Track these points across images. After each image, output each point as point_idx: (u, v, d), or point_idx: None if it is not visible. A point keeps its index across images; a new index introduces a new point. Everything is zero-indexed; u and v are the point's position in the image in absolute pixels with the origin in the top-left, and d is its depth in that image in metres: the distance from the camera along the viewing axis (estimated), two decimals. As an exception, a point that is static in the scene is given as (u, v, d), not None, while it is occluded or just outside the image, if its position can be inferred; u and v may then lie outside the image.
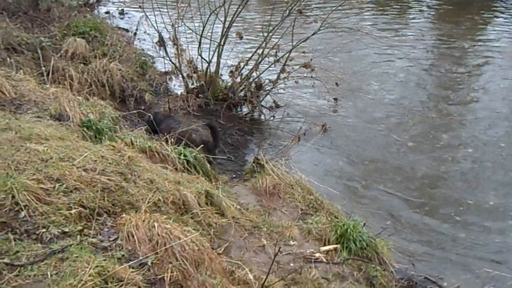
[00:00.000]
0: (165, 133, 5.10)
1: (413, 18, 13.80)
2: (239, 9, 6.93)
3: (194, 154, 4.50)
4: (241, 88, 7.21)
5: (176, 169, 4.20)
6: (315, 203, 4.72)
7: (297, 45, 7.08)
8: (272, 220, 4.19)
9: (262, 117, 7.45)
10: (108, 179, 3.09)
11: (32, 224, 2.56)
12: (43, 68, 6.12)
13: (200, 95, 7.03)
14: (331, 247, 4.02)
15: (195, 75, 7.26)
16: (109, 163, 3.36)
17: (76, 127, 4.14)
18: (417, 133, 7.27)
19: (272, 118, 7.33)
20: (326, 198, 4.96)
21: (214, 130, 5.87)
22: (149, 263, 2.54)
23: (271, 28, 7.04)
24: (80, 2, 9.55)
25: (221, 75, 7.45)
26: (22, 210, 2.60)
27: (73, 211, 2.71)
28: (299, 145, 6.23)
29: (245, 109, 7.53)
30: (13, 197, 2.63)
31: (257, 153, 5.50)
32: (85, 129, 4.13)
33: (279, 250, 3.11)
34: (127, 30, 10.96)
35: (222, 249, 3.42)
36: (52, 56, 6.32)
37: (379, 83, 9.10)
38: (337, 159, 6.52)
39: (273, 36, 7.21)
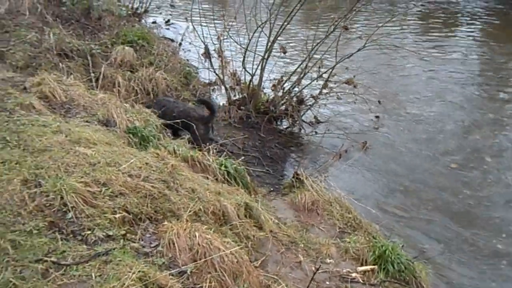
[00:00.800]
0: (167, 115, 5.38)
1: (458, 36, 13.46)
2: (284, 24, 6.96)
3: (235, 165, 4.52)
4: (282, 102, 7.21)
5: (216, 179, 4.23)
6: (354, 222, 4.64)
7: (341, 61, 7.04)
8: (309, 237, 4.14)
9: (302, 131, 7.41)
10: (152, 186, 3.15)
11: (78, 226, 2.64)
12: (92, 74, 6.33)
13: (241, 107, 7.09)
14: (368, 267, 3.94)
15: (238, 87, 7.33)
16: (153, 170, 3.43)
17: (122, 133, 4.25)
18: (459, 154, 7.05)
19: (312, 133, 7.27)
20: (364, 217, 4.87)
21: (209, 104, 5.94)
22: (188, 271, 2.57)
23: (315, 43, 7.03)
24: (129, 12, 9.84)
25: (263, 88, 7.48)
26: (70, 211, 2.68)
27: (117, 215, 2.77)
28: (339, 161, 6.16)
29: (285, 123, 7.50)
30: (62, 198, 2.72)
31: (296, 168, 5.47)
32: (130, 135, 4.23)
33: (318, 268, 3.07)
34: (172, 40, 11.19)
35: (259, 262, 3.41)
36: (101, 63, 6.54)
37: (422, 102, 8.89)
38: (377, 178, 6.41)
39: (317, 51, 7.20)
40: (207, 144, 5.29)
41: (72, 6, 8.15)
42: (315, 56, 7.23)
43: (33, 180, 2.86)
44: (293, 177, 5.18)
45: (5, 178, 2.83)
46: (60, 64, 6.06)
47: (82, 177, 2.96)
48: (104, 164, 3.18)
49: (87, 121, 4.27)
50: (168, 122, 5.34)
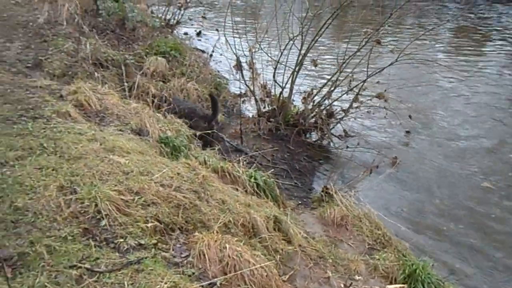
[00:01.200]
0: (181, 112, 5.77)
1: (492, 52, 13.17)
2: (316, 38, 6.97)
3: (264, 178, 4.51)
4: (312, 114, 7.19)
5: (246, 191, 4.23)
6: (383, 239, 4.56)
7: (372, 75, 6.99)
8: (338, 252, 4.09)
9: (331, 145, 7.36)
10: (183, 196, 3.18)
11: (111, 233, 2.68)
12: (126, 84, 6.46)
13: (271, 119, 7.10)
14: (397, 286, 3.85)
15: (268, 99, 7.36)
16: (184, 180, 3.46)
17: (155, 142, 4.30)
18: (493, 173, 6.83)
19: (341, 147, 7.21)
20: (394, 234, 4.79)
21: (213, 102, 6.14)
22: (218, 284, 2.56)
23: (346, 56, 7.01)
24: (162, 23, 10.02)
25: (293, 100, 7.48)
26: (103, 218, 2.72)
27: (149, 224, 2.80)
28: (369, 176, 6.09)
29: (314, 136, 7.45)
30: (96, 205, 2.77)
31: (326, 182, 5.43)
32: (162, 145, 4.28)
33: (349, 286, 3.02)
34: (203, 51, 11.35)
35: (287, 277, 3.38)
36: (134, 73, 6.67)
37: (454, 117, 8.72)
38: (407, 194, 6.29)
39: (348, 64, 7.16)
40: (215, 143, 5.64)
41: (108, 17, 8.36)
42: (346, 69, 7.19)
43: (68, 187, 2.92)
44: (322, 191, 5.13)
45: (42, 184, 2.90)
46: (95, 73, 6.22)
47: (115, 185, 3.00)
48: (137, 173, 3.23)
49: (120, 130, 4.35)
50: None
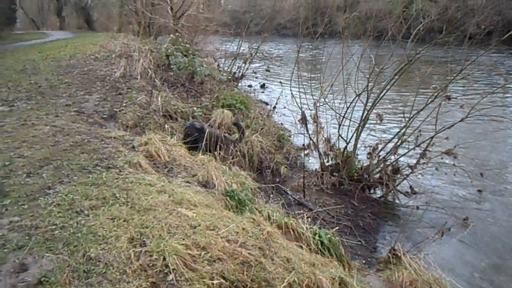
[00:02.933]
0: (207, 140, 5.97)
1: None
2: (383, 93, 6.90)
3: (329, 235, 4.39)
4: (377, 170, 7.02)
5: (310, 249, 4.13)
6: (455, 307, 4.25)
7: (441, 131, 6.76)
8: (407, 320, 3.85)
9: (397, 202, 7.07)
10: (249, 253, 3.14)
11: (177, 289, 2.67)
12: (192, 136, 6.66)
13: (335, 174, 7.00)
14: None
15: (331, 153, 7.30)
16: (249, 236, 3.43)
17: (220, 195, 4.34)
18: None
19: (408, 205, 6.92)
20: (467, 302, 4.45)
21: (239, 126, 6.70)
22: None
23: (414, 111, 6.86)
24: (228, 77, 10.40)
25: (357, 154, 7.36)
26: (171, 273, 2.73)
27: (215, 281, 2.77)
28: (439, 237, 5.76)
29: (379, 192, 7.24)
30: (164, 259, 2.79)
31: (393, 242, 5.19)
32: (228, 198, 4.30)
33: None
34: (266, 103, 11.59)
35: None
36: (202, 125, 6.88)
37: (529, 176, 8.20)
38: (480, 258, 5.86)
39: (415, 119, 7.00)
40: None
41: (178, 71, 8.81)
42: (413, 124, 7.02)
43: (138, 239, 2.98)
44: (390, 252, 4.90)
45: (114, 235, 2.98)
46: (165, 124, 6.49)
47: (183, 239, 3.03)
48: (204, 228, 3.24)
49: (188, 182, 4.44)
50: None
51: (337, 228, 5.09)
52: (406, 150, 7.07)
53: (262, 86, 14.97)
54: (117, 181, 3.93)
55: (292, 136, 8.68)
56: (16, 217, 3.21)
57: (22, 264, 2.67)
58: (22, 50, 17.69)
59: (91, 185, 3.79)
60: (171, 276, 2.71)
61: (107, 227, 3.07)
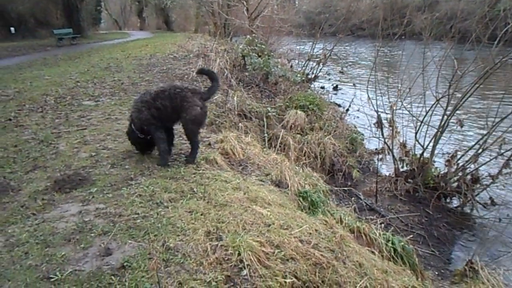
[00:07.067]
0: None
1: None
2: (465, 98, 6.57)
3: (402, 243, 4.27)
4: (455, 178, 6.70)
5: (382, 256, 4.04)
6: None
7: (528, 140, 6.34)
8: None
9: (475, 213, 6.72)
10: (321, 255, 3.14)
11: (251, 284, 2.72)
12: (266, 135, 6.75)
13: (409, 180, 6.78)
14: None
15: (407, 158, 7.06)
16: (322, 238, 3.43)
17: (293, 195, 4.37)
18: None
19: (486, 217, 6.55)
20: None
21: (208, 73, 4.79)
22: None
23: (498, 118, 6.47)
24: (302, 78, 10.40)
25: (434, 162, 7.07)
26: (245, 268, 2.79)
27: (287, 280, 2.80)
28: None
29: (456, 202, 6.92)
30: (239, 254, 2.86)
31: (469, 255, 4.95)
32: (301, 199, 4.32)
33: None
34: (339, 105, 11.46)
35: None
36: (275, 124, 6.95)
37: None
38: None
39: (499, 126, 6.60)
40: None
41: (254, 71, 8.95)
42: (496, 131, 6.62)
43: (215, 233, 3.08)
44: (466, 264, 4.67)
45: (191, 227, 3.10)
46: (239, 123, 6.61)
47: (257, 236, 3.08)
48: (278, 226, 3.28)
49: (261, 180, 4.51)
50: None
51: (410, 236, 4.92)
52: (488, 159, 6.69)
53: (335, 88, 14.79)
54: (194, 176, 4.07)
55: (365, 139, 8.51)
56: (101, 205, 3.44)
57: (107, 249, 2.84)
58: (106, 49, 18.84)
59: (169, 179, 3.96)
60: (245, 271, 2.78)
61: (185, 220, 3.20)
